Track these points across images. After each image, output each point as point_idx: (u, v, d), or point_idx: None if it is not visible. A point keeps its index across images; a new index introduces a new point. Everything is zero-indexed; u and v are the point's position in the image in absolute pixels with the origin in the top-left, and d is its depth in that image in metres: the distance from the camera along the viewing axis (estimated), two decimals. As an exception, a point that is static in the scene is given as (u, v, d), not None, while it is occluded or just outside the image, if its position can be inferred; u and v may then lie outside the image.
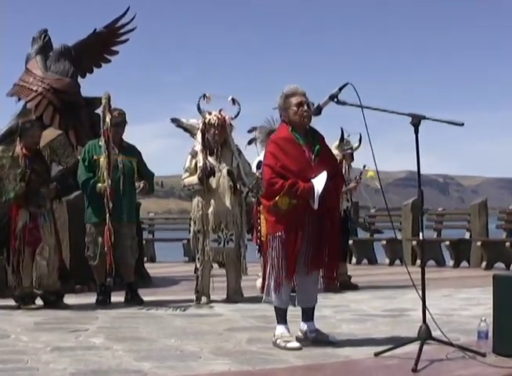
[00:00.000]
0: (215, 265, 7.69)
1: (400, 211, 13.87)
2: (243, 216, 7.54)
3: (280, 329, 4.88)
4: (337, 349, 4.71)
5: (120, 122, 7.41)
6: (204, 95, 7.35)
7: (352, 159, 9.00)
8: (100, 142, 7.31)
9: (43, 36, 9.93)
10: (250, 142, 8.17)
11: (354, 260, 13.79)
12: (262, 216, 7.14)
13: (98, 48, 9.90)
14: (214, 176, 7.32)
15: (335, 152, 8.51)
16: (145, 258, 11.94)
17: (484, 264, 11.99)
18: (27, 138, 7.06)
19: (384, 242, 13.61)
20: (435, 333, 4.42)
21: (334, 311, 6.62)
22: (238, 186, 7.41)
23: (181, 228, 14.75)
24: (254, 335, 5.28)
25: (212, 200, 7.34)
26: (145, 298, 7.47)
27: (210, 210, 7.33)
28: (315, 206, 4.76)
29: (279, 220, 4.80)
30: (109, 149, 7.08)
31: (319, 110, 4.73)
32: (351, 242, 12.15)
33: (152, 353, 4.66)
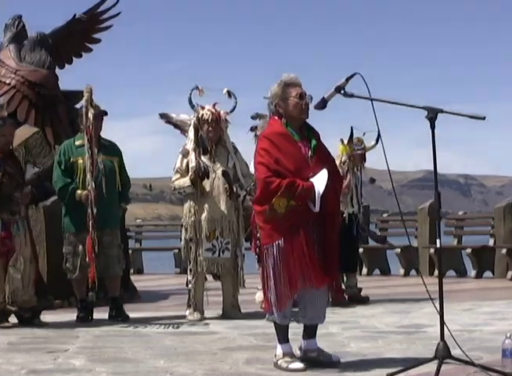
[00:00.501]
0: (209, 278, 7.68)
1: (416, 216, 13.88)
2: (240, 222, 7.55)
3: (282, 348, 4.85)
4: (345, 371, 4.70)
5: (97, 114, 7.20)
6: (197, 87, 7.36)
7: (364, 160, 8.92)
8: (77, 142, 7.30)
9: (17, 23, 9.96)
10: (252, 129, 8.15)
11: (364, 270, 13.81)
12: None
13: (78, 35, 9.92)
14: (207, 178, 7.32)
15: (338, 153, 8.52)
16: (131, 270, 11.96)
17: (510, 274, 12.01)
18: (-2, 137, 7.06)
19: (398, 250, 13.57)
20: (455, 351, 4.41)
21: (342, 327, 6.62)
22: (234, 189, 7.42)
23: (172, 236, 14.79)
24: (253, 355, 5.28)
25: (206, 205, 7.34)
26: (131, 315, 7.47)
27: (204, 215, 7.33)
28: (316, 208, 4.67)
29: (276, 227, 4.69)
30: (92, 148, 7.07)
31: (324, 104, 4.67)
32: (361, 250, 12.15)
33: (138, 376, 4.64)
